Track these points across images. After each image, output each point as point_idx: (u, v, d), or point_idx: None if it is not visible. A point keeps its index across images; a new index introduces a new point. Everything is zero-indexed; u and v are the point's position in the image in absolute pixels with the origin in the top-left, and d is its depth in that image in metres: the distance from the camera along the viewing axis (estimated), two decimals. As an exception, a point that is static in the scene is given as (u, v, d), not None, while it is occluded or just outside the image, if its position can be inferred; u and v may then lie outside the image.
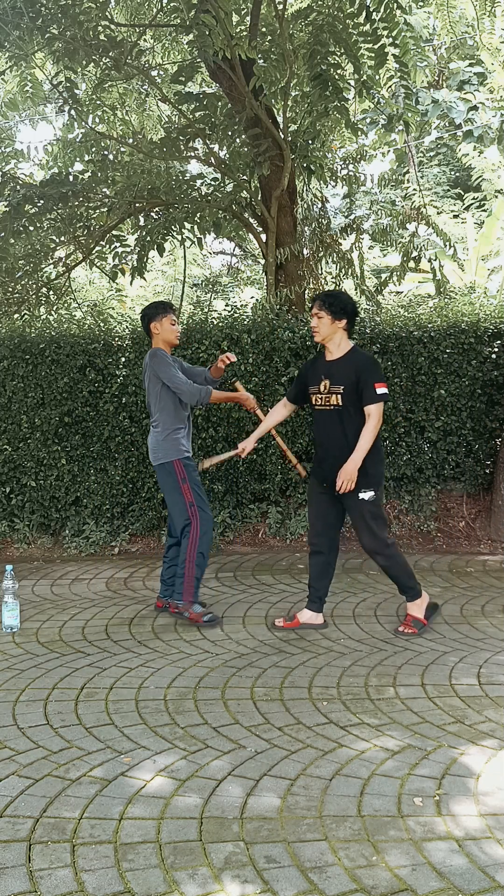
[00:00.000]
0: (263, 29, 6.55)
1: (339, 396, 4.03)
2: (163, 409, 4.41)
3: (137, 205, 6.69)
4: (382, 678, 3.56)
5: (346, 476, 3.94)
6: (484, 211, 15.00)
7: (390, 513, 6.25)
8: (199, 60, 6.16)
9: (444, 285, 7.15)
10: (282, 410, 4.40)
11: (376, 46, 5.90)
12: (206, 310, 7.30)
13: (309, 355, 6.03)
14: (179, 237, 7.08)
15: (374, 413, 3.96)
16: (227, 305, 6.68)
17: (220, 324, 6.10)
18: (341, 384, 4.01)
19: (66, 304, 7.63)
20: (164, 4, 6.50)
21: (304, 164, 6.47)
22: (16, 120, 9.21)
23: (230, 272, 13.73)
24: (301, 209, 6.82)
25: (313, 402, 4.18)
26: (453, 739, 2.96)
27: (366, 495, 4.02)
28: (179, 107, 6.53)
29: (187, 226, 6.94)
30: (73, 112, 6.64)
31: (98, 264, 7.55)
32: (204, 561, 4.38)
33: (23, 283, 7.25)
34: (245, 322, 6.08)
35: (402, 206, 7.88)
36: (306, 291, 6.72)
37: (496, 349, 6.26)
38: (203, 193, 6.68)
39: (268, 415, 4.48)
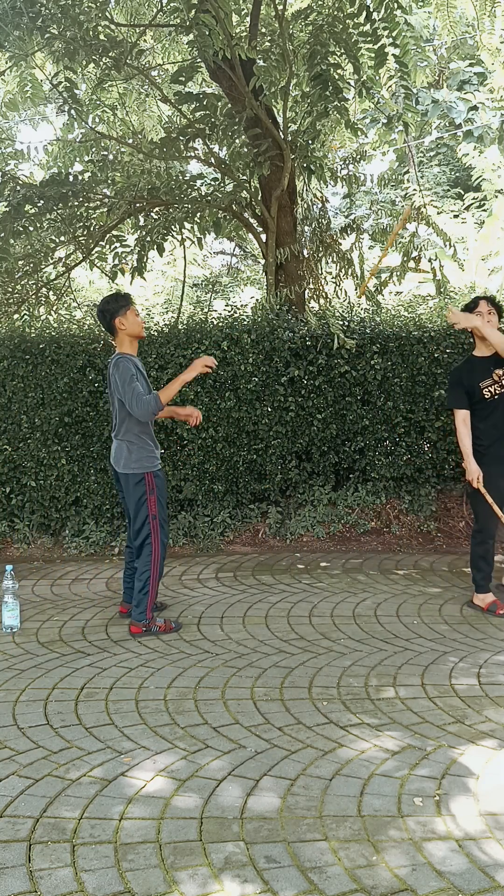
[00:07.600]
0: (263, 29, 6.55)
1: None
2: (130, 418, 4.14)
3: (137, 205, 6.69)
4: (382, 678, 3.56)
5: None
6: (484, 211, 14.98)
7: (390, 513, 6.25)
8: (199, 60, 6.16)
9: (444, 285, 7.15)
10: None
11: (376, 46, 5.89)
12: (206, 310, 7.30)
13: (309, 355, 6.02)
14: (179, 237, 7.07)
15: None
16: (227, 305, 6.68)
17: (220, 324, 6.10)
18: None
19: (66, 304, 7.62)
20: (164, 4, 6.49)
21: (304, 164, 6.47)
22: (16, 120, 9.21)
23: (230, 272, 13.75)
24: (301, 209, 6.81)
25: (486, 396, 4.47)
26: (453, 739, 2.96)
27: None
28: (179, 107, 6.53)
29: (187, 226, 6.94)
30: (73, 112, 6.63)
31: (98, 264, 7.55)
32: (161, 574, 4.29)
33: (23, 283, 7.25)
34: (245, 322, 6.08)
35: (402, 206, 7.88)
36: (306, 291, 6.71)
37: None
38: (203, 193, 6.68)
39: (463, 436, 4.45)
